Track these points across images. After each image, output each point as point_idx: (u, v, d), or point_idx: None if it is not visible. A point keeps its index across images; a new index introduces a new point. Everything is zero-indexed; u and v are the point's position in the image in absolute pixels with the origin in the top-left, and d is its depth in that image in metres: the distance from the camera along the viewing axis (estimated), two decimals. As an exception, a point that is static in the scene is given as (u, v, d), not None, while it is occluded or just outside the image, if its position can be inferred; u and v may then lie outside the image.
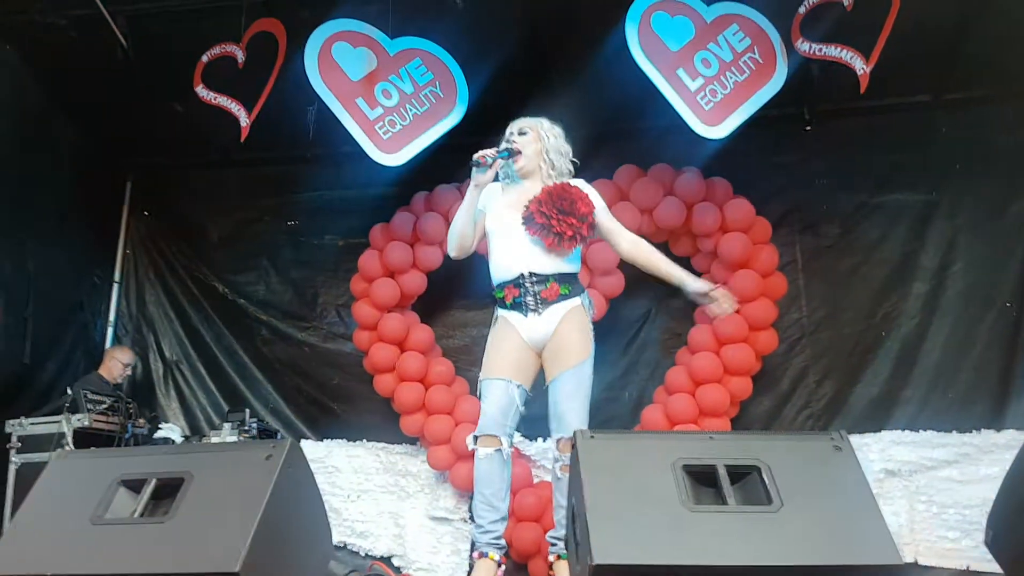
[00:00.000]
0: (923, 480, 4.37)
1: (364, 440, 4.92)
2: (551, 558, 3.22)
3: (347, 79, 4.15)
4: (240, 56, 4.35)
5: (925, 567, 4.27)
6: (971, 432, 4.42)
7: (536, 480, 4.53)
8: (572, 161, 3.42)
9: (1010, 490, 2.26)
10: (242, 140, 4.37)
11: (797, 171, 4.94)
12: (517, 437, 4.48)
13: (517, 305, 3.23)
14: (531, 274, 3.22)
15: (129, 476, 2.25)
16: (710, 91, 3.97)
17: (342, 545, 4.64)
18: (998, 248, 4.69)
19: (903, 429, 4.49)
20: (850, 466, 2.13)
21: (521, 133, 3.36)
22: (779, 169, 4.94)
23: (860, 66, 3.93)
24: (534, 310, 3.21)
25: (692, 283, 3.21)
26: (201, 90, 4.41)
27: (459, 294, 5.07)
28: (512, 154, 3.29)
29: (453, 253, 3.34)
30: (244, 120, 4.35)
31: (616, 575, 1.90)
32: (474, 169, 3.18)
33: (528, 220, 3.20)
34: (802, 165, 4.94)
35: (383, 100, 4.18)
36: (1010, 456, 2.28)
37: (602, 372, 4.73)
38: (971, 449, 4.37)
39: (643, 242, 3.36)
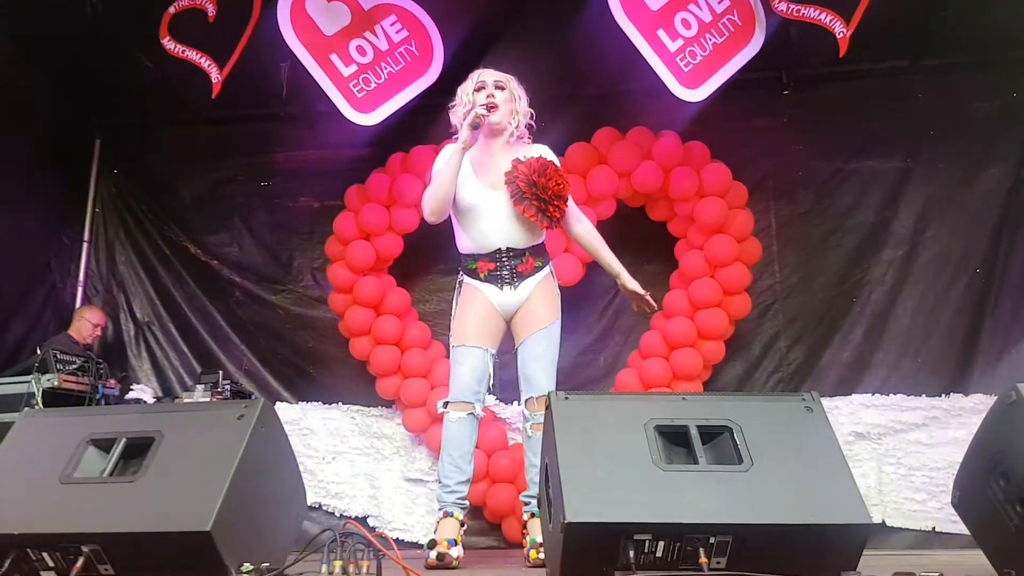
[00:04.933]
0: (892, 443, 4.45)
1: (339, 403, 4.91)
2: (524, 517, 3.25)
3: (321, 34, 4.07)
4: (211, 10, 4.24)
5: (892, 528, 4.37)
6: (940, 396, 4.50)
7: (511, 443, 4.56)
8: (529, 124, 3.36)
9: (977, 452, 2.30)
10: (213, 97, 4.28)
11: (774, 136, 4.92)
12: (492, 400, 4.53)
13: (492, 278, 3.21)
14: (508, 249, 3.20)
15: (98, 435, 2.23)
16: (689, 52, 3.95)
17: (317, 506, 4.65)
18: (969, 215, 4.73)
19: (873, 393, 4.56)
20: (821, 427, 2.15)
21: (499, 87, 3.25)
22: (756, 134, 4.92)
23: (840, 29, 3.93)
24: (510, 283, 3.20)
25: (628, 281, 3.32)
26: (168, 42, 4.31)
27: (436, 259, 5.04)
28: (490, 109, 3.18)
29: (432, 218, 3.20)
30: (216, 76, 4.27)
31: (587, 533, 1.91)
32: (471, 130, 3.08)
33: (522, 199, 3.11)
34: (779, 130, 4.92)
35: (357, 57, 4.11)
36: (977, 419, 2.31)
37: (578, 337, 4.80)
38: (939, 412, 4.46)
39: (594, 229, 3.47)
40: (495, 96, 3.22)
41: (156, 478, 2.07)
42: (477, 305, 3.22)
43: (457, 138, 3.21)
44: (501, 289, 3.21)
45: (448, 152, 3.20)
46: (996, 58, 4.75)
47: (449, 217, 3.30)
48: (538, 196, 3.10)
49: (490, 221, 3.19)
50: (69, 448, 2.20)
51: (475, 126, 3.10)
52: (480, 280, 3.23)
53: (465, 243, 3.28)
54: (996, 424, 2.20)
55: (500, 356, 3.33)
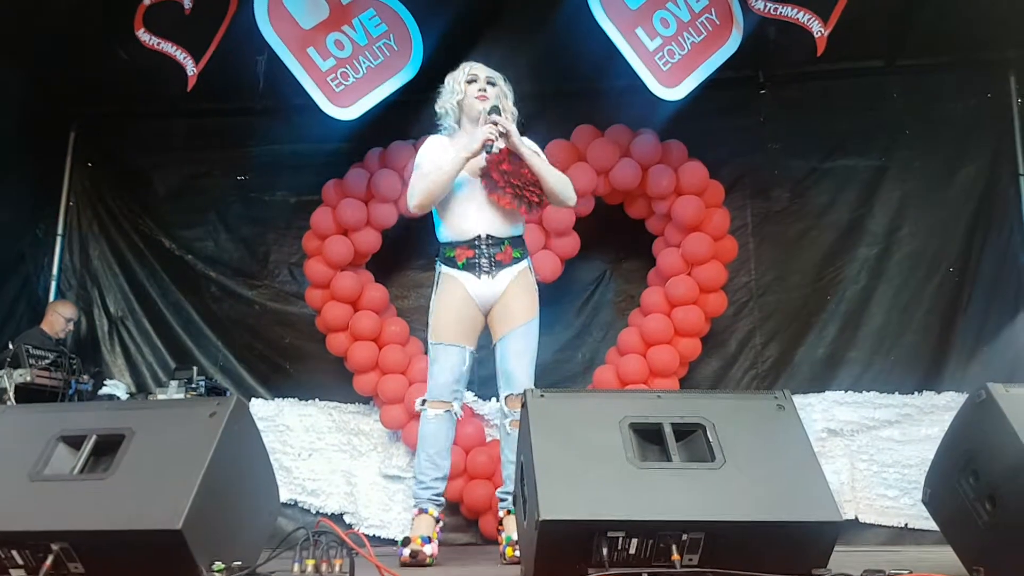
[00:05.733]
0: (864, 440, 4.49)
1: (316, 399, 4.87)
2: (500, 514, 3.25)
3: (298, 28, 4.04)
4: (187, 2, 4.20)
5: (865, 524, 4.41)
6: (912, 393, 4.55)
7: (488, 439, 4.56)
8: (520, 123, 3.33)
9: (948, 450, 2.32)
10: (188, 90, 4.24)
11: (751, 135, 4.96)
12: (470, 397, 4.52)
13: (470, 266, 3.19)
14: (488, 237, 3.19)
15: (69, 432, 2.20)
16: (668, 51, 3.96)
17: (293, 503, 4.62)
18: (944, 213, 4.79)
19: (846, 390, 4.60)
20: (793, 425, 2.17)
21: (490, 83, 3.25)
22: (733, 133, 4.96)
23: (818, 29, 3.95)
24: (487, 272, 3.19)
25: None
26: (143, 34, 4.27)
27: (414, 254, 5.03)
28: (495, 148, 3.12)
29: (416, 210, 3.19)
30: (191, 69, 4.23)
31: (561, 530, 1.91)
32: (481, 150, 3.05)
33: (496, 188, 3.12)
34: (756, 129, 4.96)
35: (335, 51, 4.08)
36: (949, 417, 2.34)
37: (556, 333, 4.80)
38: (912, 410, 4.50)
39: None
40: (487, 91, 3.22)
41: (127, 476, 2.04)
42: (455, 299, 3.20)
43: (441, 127, 3.29)
44: (479, 278, 3.18)
45: (450, 152, 3.15)
46: (970, 58, 4.82)
47: (429, 213, 3.29)
48: (511, 183, 3.11)
49: (470, 207, 3.19)
50: (39, 445, 2.17)
51: (488, 150, 3.06)
52: (458, 268, 3.20)
53: (445, 231, 3.26)
54: (966, 423, 2.23)
55: (478, 351, 3.31)
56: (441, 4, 4.37)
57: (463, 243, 3.20)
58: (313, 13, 4.06)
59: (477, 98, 3.21)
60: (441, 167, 3.11)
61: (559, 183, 3.19)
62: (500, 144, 3.08)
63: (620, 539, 1.92)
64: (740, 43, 4.11)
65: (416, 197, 3.15)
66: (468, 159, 3.09)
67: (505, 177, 3.11)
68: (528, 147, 3.19)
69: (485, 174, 3.15)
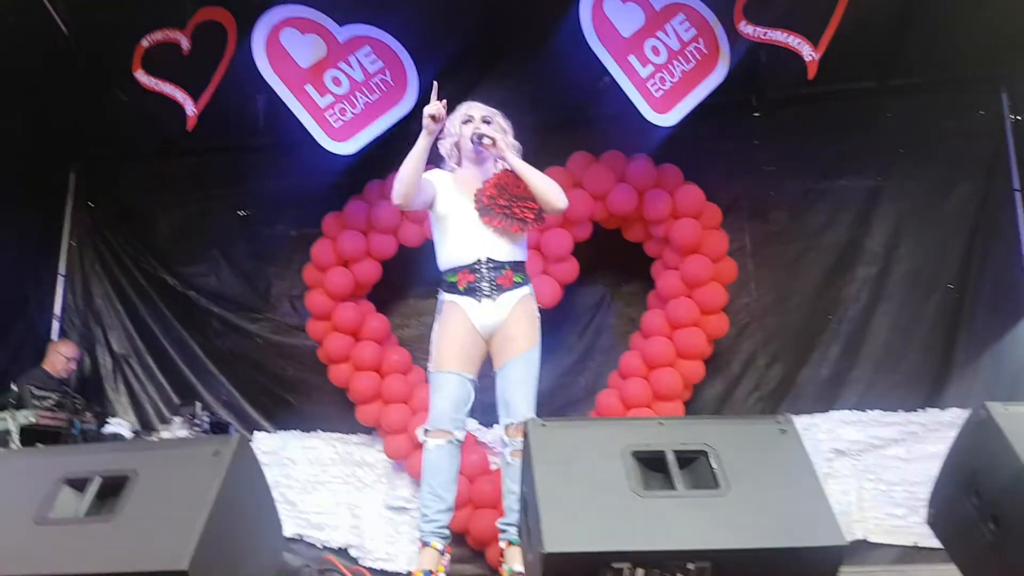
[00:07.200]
0: (871, 459, 4.48)
1: (319, 431, 4.88)
2: (502, 544, 3.24)
3: (296, 66, 4.10)
4: (185, 43, 4.26)
5: (874, 544, 4.38)
6: (916, 411, 4.55)
7: (493, 467, 4.54)
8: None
9: (950, 469, 2.32)
10: (189, 130, 4.29)
11: (746, 158, 4.97)
12: (474, 425, 4.52)
13: (471, 291, 3.21)
14: (488, 260, 3.22)
15: (73, 475, 2.20)
16: (659, 78, 4.01)
17: (298, 537, 4.61)
18: (942, 231, 4.79)
19: (851, 409, 4.59)
20: (795, 448, 2.16)
21: (486, 121, 3.30)
22: (728, 156, 4.97)
23: (808, 52, 3.98)
24: (488, 296, 3.21)
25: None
26: (141, 75, 4.32)
27: (414, 283, 5.04)
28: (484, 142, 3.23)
29: (397, 200, 3.18)
30: (191, 110, 4.28)
31: (567, 562, 1.91)
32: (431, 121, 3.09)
33: (487, 212, 3.18)
34: (750, 152, 4.97)
35: (333, 87, 4.14)
36: (954, 434, 2.33)
37: (558, 358, 4.80)
38: (917, 427, 4.50)
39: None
40: (482, 129, 3.26)
41: (132, 517, 2.04)
42: (456, 326, 3.22)
43: (443, 167, 3.35)
44: (480, 302, 3.20)
45: (448, 184, 3.28)
46: (962, 76, 4.85)
47: (428, 242, 3.33)
48: (498, 204, 3.16)
49: (469, 231, 3.23)
50: (43, 488, 2.18)
51: (476, 141, 3.21)
52: (459, 294, 3.23)
53: (445, 257, 3.30)
54: (967, 442, 2.23)
55: (481, 379, 3.32)
56: (436, 39, 4.43)
57: (464, 267, 3.22)
58: (310, 51, 4.13)
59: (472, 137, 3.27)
60: (410, 152, 3.12)
61: (546, 185, 3.24)
62: (488, 132, 3.20)
63: (625, 570, 1.91)
64: (728, 73, 4.16)
65: (395, 188, 3.16)
66: (431, 133, 3.10)
67: (493, 200, 3.17)
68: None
69: (478, 199, 3.21)
